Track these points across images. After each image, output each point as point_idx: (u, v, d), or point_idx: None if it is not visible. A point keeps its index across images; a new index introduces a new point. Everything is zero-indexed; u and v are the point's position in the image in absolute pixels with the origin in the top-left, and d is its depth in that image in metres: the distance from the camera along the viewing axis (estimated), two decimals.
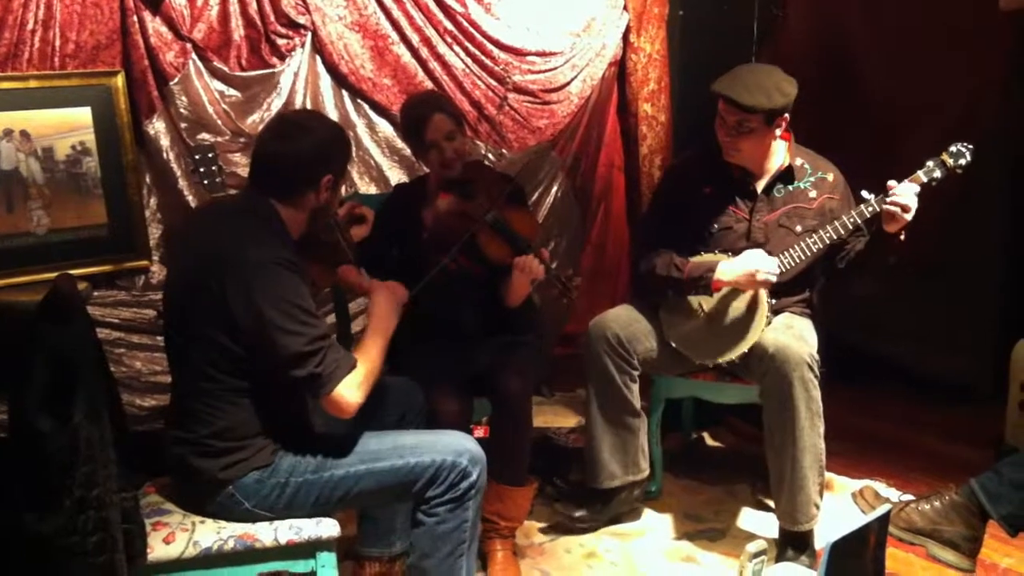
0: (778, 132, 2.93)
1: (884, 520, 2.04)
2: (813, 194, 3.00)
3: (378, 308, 2.31)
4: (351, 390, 2.09)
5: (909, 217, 2.74)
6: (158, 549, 2.07)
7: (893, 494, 3.26)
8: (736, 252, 2.94)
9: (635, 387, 3.01)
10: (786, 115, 2.89)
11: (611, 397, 2.99)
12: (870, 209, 2.80)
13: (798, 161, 3.02)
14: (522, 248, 2.82)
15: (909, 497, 3.14)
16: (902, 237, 2.82)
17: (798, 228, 2.97)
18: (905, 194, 2.73)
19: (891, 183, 2.76)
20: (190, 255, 2.21)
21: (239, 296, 2.05)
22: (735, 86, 2.83)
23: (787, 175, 3.00)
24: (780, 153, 3.01)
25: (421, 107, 2.94)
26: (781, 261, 2.86)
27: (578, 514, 3.07)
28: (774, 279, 2.83)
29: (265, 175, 2.21)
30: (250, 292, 2.04)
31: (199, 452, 2.14)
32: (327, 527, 2.22)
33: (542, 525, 3.11)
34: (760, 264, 2.82)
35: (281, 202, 2.20)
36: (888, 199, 2.74)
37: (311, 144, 2.19)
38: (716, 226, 3.01)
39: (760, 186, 3.00)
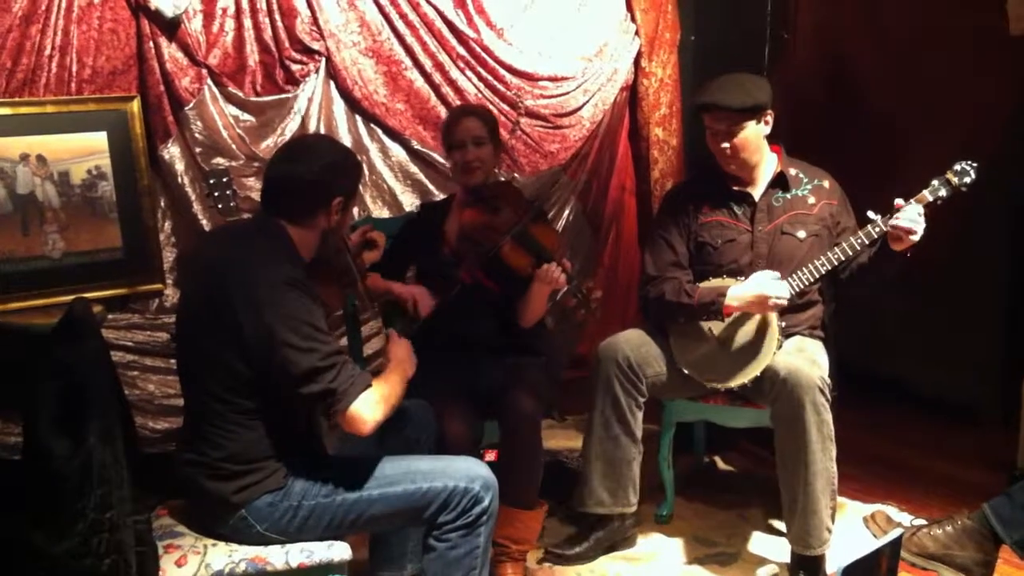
0: (766, 129, 2.98)
1: (896, 544, 2.04)
2: (812, 200, 3.03)
3: (394, 355, 2.32)
4: (369, 407, 2.09)
5: (916, 238, 2.75)
6: (170, 572, 2.08)
7: (905, 518, 3.24)
8: (742, 264, 2.98)
9: (639, 414, 3.01)
10: (770, 111, 2.96)
11: (614, 421, 2.98)
12: (876, 230, 2.81)
13: (792, 171, 3.06)
14: (545, 260, 2.84)
15: (921, 521, 3.13)
16: (908, 254, 2.83)
17: (800, 234, 2.99)
18: (909, 216, 2.74)
19: (898, 202, 2.77)
20: (201, 277, 2.23)
21: (249, 316, 2.06)
22: (716, 94, 2.92)
23: (782, 182, 3.04)
24: (772, 161, 3.06)
25: (460, 110, 3.12)
26: (791, 283, 2.87)
27: (572, 552, 3.06)
28: (784, 303, 2.84)
29: (275, 196, 2.25)
30: (260, 312, 2.05)
31: (212, 475, 2.15)
32: (339, 550, 2.22)
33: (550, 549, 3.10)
34: (771, 289, 2.83)
35: (292, 223, 2.23)
36: (892, 221, 2.76)
37: (320, 165, 2.22)
38: (720, 240, 3.04)
39: (757, 194, 3.04)
